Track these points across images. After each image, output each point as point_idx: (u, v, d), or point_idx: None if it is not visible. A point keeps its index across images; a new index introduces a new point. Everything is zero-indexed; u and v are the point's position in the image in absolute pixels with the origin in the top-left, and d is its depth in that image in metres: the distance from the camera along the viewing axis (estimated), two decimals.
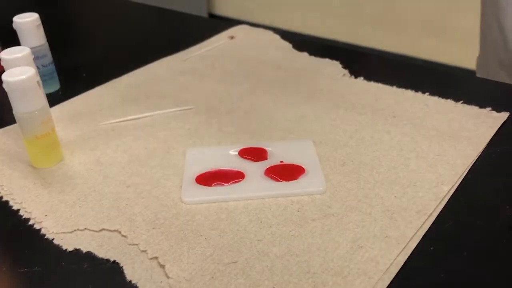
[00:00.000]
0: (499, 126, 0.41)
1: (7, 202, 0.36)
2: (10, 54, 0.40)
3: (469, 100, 0.45)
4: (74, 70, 0.56)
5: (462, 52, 1.75)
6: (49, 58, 0.50)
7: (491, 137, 0.40)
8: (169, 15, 0.71)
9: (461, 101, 0.45)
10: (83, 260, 0.31)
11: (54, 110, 0.47)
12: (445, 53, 1.65)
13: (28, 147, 0.39)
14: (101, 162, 0.40)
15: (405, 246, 0.31)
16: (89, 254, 0.31)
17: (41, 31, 0.49)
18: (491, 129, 0.41)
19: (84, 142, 0.42)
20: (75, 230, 0.33)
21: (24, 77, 0.36)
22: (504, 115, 0.42)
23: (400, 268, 0.29)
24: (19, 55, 0.40)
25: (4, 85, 0.36)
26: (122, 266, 0.30)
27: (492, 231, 0.32)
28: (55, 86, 0.51)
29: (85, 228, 0.33)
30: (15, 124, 0.43)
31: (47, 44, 0.50)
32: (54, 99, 0.49)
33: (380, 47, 1.69)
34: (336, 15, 1.71)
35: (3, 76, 0.36)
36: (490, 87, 0.47)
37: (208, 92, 0.49)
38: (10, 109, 0.37)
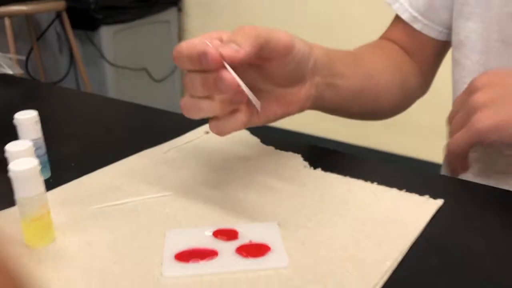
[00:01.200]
0: (435, 211, 0.48)
1: None
2: (13, 147, 0.46)
3: (411, 189, 0.52)
4: (63, 160, 0.61)
5: (417, 144, 1.89)
6: (43, 149, 0.56)
7: (428, 220, 0.47)
8: (150, 112, 0.79)
9: (404, 190, 0.52)
10: None
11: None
12: (400, 145, 1.80)
13: (25, 229, 0.44)
14: (90, 242, 0.45)
15: None
16: None
17: (39, 126, 0.55)
18: (428, 214, 0.48)
19: (75, 224, 0.47)
20: None
21: (28, 167, 0.42)
22: (439, 202, 0.50)
23: None
24: (22, 148, 0.46)
25: (10, 174, 0.42)
26: None
27: None
28: (46, 174, 0.57)
29: None
30: (8, 209, 0.48)
31: (42, 138, 0.56)
32: (45, 186, 0.54)
33: (340, 138, 1.83)
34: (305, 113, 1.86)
35: (11, 166, 0.42)
36: (428, 178, 0.55)
37: (185, 181, 0.55)
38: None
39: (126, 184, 0.55)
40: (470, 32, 0.67)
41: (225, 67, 0.44)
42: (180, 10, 2.86)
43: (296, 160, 0.59)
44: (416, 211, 0.48)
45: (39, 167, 0.43)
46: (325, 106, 0.61)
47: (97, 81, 2.62)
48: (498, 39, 0.63)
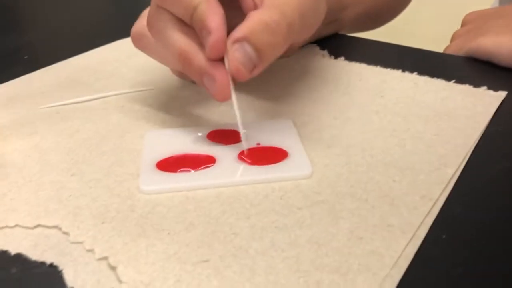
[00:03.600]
0: (498, 104, 0.37)
1: None
2: None
3: (461, 79, 0.40)
4: (13, 53, 0.48)
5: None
6: None
7: (492, 115, 0.36)
8: None
9: (453, 80, 0.40)
10: (11, 264, 0.24)
11: None
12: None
13: None
14: (41, 147, 0.33)
15: (412, 236, 0.25)
16: (19, 257, 0.25)
17: None
18: (490, 107, 0.36)
19: (21, 126, 0.36)
20: (2, 227, 0.26)
21: None
22: (502, 94, 0.38)
23: (411, 261, 0.24)
24: None
25: None
26: (62, 270, 0.24)
27: (509, 215, 0.27)
28: None
29: (16, 225, 0.27)
30: None
31: None
32: None
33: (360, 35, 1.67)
34: None
35: None
36: (482, 67, 0.43)
37: (170, 74, 0.43)
38: None
39: (91, 78, 0.43)
40: None
41: (221, 63, 0.29)
42: None
43: (310, 49, 0.47)
44: (474, 105, 0.37)
45: None
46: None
47: None
48: None
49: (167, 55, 0.33)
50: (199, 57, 0.30)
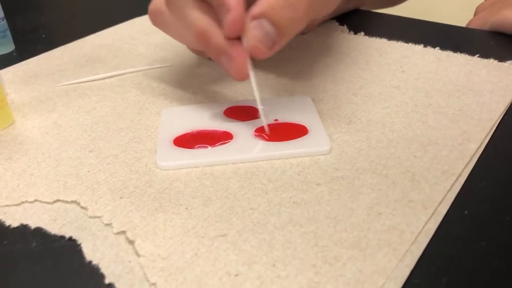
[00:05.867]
0: None
1: None
2: None
3: (485, 54, 0.39)
4: (32, 31, 0.49)
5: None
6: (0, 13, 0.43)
7: None
8: None
9: (477, 55, 0.39)
10: (31, 238, 0.25)
11: (7, 72, 0.40)
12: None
13: None
14: (59, 124, 0.33)
15: (434, 211, 0.25)
16: (38, 231, 0.25)
17: None
18: None
19: (40, 104, 0.36)
20: (22, 202, 0.27)
21: None
22: None
23: (432, 237, 0.23)
24: None
25: None
26: (80, 244, 0.24)
27: None
28: (8, 47, 0.44)
29: (35, 200, 0.27)
30: None
31: None
32: (7, 61, 0.42)
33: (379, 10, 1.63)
34: None
35: None
36: (507, 41, 0.42)
37: (187, 51, 0.42)
38: None
39: (109, 56, 0.42)
40: None
41: (239, 42, 0.28)
42: None
43: (329, 25, 0.46)
44: (498, 79, 0.36)
45: None
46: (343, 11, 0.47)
47: None
48: None
49: (185, 33, 0.32)
50: (217, 36, 0.29)
